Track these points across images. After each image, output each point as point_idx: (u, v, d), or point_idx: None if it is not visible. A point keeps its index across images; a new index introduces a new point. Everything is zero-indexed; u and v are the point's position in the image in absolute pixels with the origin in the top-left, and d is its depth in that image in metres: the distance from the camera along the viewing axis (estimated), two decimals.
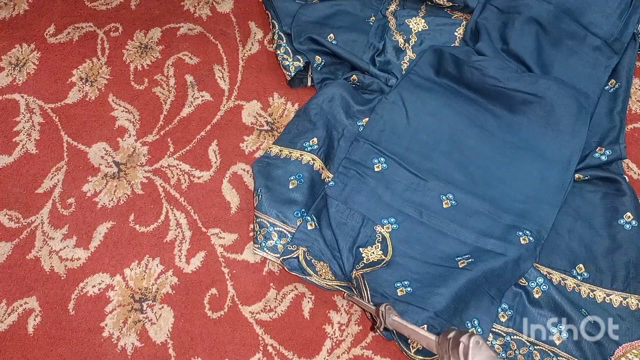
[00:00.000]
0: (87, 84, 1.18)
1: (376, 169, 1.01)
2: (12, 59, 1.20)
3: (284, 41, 1.17)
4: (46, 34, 1.23)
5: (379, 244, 0.93)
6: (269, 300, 0.98)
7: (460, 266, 0.90)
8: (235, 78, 1.19)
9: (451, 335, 0.54)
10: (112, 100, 1.16)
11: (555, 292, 0.90)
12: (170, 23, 1.25)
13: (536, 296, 0.91)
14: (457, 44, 1.18)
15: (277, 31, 1.18)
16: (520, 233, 0.93)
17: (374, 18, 1.20)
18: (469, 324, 0.88)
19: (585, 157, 1.01)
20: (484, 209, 0.97)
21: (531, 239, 0.92)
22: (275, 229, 0.96)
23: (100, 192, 1.07)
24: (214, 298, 0.98)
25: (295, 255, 0.92)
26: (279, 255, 0.95)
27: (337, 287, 0.94)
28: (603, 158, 1.00)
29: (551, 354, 0.87)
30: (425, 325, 0.83)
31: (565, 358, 0.87)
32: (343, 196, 0.97)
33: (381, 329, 0.83)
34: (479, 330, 0.88)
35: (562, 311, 0.89)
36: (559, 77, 1.06)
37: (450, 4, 1.20)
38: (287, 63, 1.14)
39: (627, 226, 0.96)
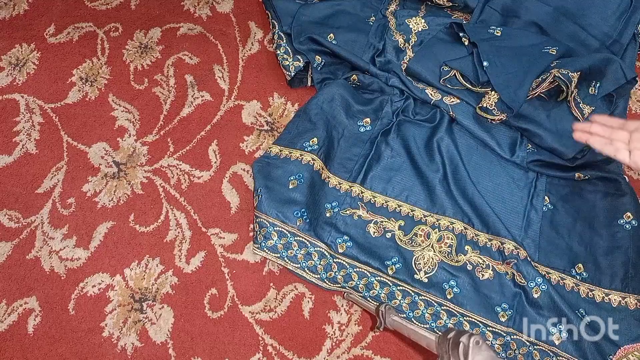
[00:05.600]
0: (87, 84, 1.18)
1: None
2: (12, 59, 1.20)
3: (284, 41, 1.17)
4: (46, 34, 1.23)
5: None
6: (269, 300, 0.98)
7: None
8: (235, 78, 1.19)
9: (451, 335, 0.54)
10: (112, 100, 1.16)
11: (554, 292, 0.90)
12: (170, 23, 1.25)
13: (535, 296, 0.91)
14: None
15: (277, 31, 1.18)
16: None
17: (374, 18, 1.20)
18: None
19: (585, 154, 1.01)
20: None
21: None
22: (275, 228, 0.96)
23: (100, 192, 1.07)
24: (214, 298, 0.98)
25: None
26: (279, 255, 0.95)
27: (337, 287, 0.95)
28: (603, 156, 1.00)
29: (551, 353, 0.87)
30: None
31: (565, 358, 0.87)
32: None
33: (381, 329, 0.83)
34: None
35: (561, 311, 0.89)
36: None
37: (450, 4, 1.20)
38: (287, 63, 1.14)
39: (627, 226, 0.96)
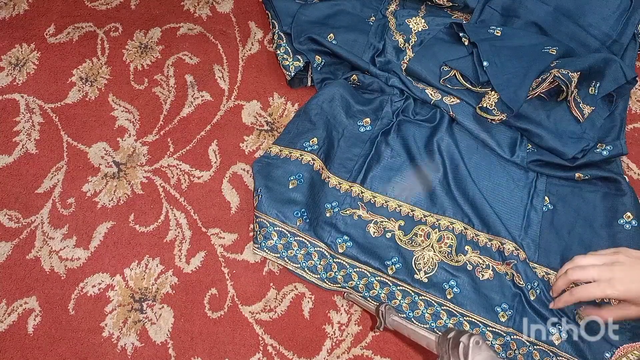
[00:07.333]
0: (87, 84, 1.18)
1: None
2: (12, 59, 1.20)
3: (284, 41, 1.17)
4: (46, 34, 1.23)
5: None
6: (269, 300, 0.98)
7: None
8: (235, 78, 1.19)
9: (451, 335, 0.54)
10: (112, 100, 1.16)
11: None
12: (170, 23, 1.25)
13: (535, 296, 0.91)
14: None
15: (277, 31, 1.18)
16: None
17: (374, 18, 1.20)
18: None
19: (586, 153, 1.01)
20: None
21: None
22: (275, 229, 0.96)
23: (100, 192, 1.07)
24: (214, 298, 0.98)
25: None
26: (279, 255, 0.95)
27: (337, 287, 0.95)
28: (604, 153, 1.00)
29: (551, 354, 0.87)
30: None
31: (565, 358, 0.87)
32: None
33: (381, 329, 0.83)
34: None
35: (561, 311, 0.89)
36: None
37: (450, 4, 1.20)
38: (287, 63, 1.14)
39: (627, 226, 0.96)
